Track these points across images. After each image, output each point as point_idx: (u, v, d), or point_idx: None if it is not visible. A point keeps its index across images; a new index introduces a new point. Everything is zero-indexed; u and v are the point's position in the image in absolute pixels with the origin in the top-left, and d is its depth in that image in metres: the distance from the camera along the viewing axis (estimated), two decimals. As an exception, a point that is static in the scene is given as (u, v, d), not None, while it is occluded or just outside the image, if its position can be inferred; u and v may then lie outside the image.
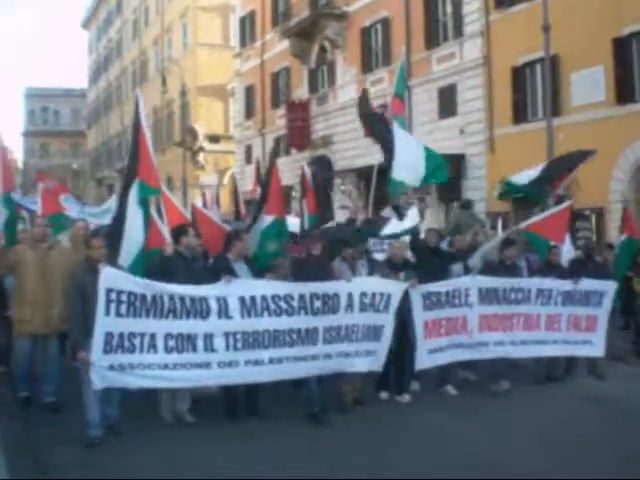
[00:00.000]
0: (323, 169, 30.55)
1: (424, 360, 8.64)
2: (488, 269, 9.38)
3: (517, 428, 7.73)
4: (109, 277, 6.78)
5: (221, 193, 34.63)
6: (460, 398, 8.90)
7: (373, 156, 27.23)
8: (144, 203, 8.04)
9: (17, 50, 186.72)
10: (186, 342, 7.11)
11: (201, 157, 45.66)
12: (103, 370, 6.75)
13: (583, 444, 7.17)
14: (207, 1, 46.57)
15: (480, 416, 8.17)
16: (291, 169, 30.70)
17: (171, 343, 7.05)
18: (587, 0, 19.06)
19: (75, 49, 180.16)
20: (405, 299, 8.43)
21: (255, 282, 7.74)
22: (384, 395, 8.84)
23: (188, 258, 7.76)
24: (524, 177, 12.04)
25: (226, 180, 44.64)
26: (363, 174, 27.32)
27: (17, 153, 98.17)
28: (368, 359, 8.22)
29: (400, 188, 11.80)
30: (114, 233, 7.98)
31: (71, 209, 13.65)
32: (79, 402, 7.10)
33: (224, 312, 7.27)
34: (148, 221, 8.18)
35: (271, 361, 7.48)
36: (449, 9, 25.03)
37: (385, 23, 27.90)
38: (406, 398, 8.70)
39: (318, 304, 7.73)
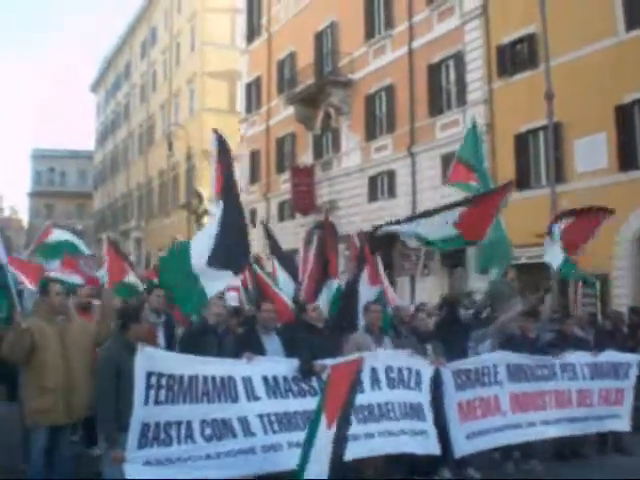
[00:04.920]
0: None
1: (463, 446, 7.80)
2: (509, 344, 8.72)
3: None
4: (150, 359, 5.92)
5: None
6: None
7: (378, 221, 27.41)
8: None
9: (25, 112, 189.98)
10: (222, 428, 6.37)
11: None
12: (138, 465, 5.82)
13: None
14: (214, 67, 47.41)
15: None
16: (295, 233, 30.87)
17: (208, 431, 6.26)
18: (589, 68, 19.34)
19: (83, 112, 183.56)
20: (433, 378, 7.84)
21: (275, 361, 7.14)
22: None
23: (217, 331, 7.14)
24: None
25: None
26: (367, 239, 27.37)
27: (22, 213, 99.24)
28: (419, 440, 7.50)
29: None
30: None
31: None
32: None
33: (251, 393, 6.68)
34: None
35: None
36: (452, 77, 25.40)
37: (389, 90, 28.27)
38: None
39: None
